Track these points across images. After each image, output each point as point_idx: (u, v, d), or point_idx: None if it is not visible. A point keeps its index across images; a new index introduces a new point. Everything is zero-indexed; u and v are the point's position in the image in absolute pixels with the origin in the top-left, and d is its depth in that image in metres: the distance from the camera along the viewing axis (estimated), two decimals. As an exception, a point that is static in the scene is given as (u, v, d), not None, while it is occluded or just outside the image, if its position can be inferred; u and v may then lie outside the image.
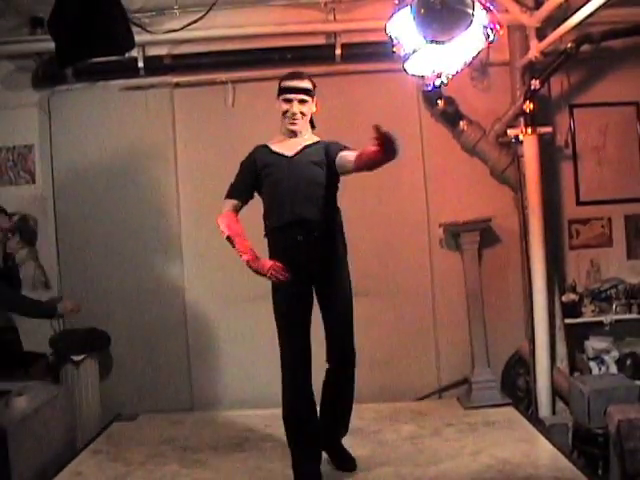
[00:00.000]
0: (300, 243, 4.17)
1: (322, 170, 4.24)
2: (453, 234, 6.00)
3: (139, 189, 6.14)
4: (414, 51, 3.98)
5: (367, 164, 3.92)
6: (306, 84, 4.30)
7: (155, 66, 6.07)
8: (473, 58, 4.03)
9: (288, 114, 4.28)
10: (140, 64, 6.00)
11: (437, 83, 4.26)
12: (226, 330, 6.11)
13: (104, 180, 6.14)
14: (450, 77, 4.17)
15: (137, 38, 4.62)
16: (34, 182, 6.23)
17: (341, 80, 6.07)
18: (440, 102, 5.95)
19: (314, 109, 4.39)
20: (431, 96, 5.94)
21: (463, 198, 6.07)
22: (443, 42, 3.78)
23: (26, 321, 5.38)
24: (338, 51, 5.96)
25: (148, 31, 5.85)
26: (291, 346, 4.17)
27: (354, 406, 4.50)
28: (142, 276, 6.14)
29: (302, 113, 4.29)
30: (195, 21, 5.68)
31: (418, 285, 6.12)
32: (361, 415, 5.38)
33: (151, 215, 6.14)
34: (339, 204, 4.38)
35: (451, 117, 6.03)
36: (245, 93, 6.13)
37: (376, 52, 5.75)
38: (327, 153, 4.25)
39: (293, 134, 4.33)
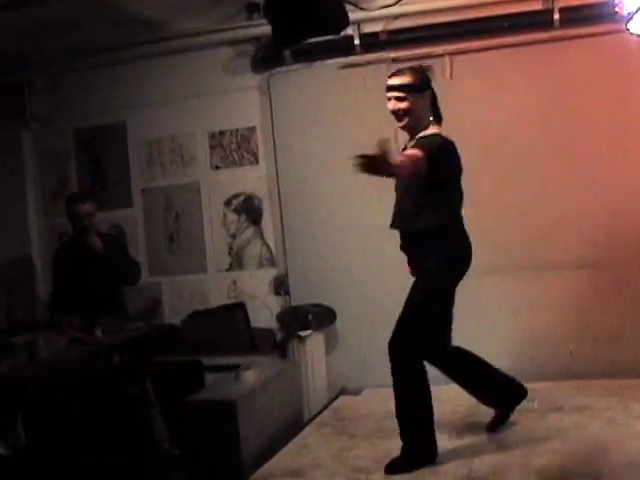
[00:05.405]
0: None
1: None
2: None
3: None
4: (638, 9, 3.76)
5: None
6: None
7: (371, 42, 6.06)
8: None
9: None
10: (356, 41, 6.02)
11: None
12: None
13: (324, 159, 6.19)
14: (680, 35, 3.91)
15: (351, 16, 4.66)
16: (257, 163, 6.47)
17: (560, 46, 5.77)
18: (672, 61, 5.57)
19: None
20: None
21: None
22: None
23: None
24: (556, 15, 5.68)
25: (362, 8, 5.87)
26: None
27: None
28: (365, 251, 6.12)
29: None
30: (407, -5, 5.65)
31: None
32: (588, 392, 5.17)
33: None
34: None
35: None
36: (463, 65, 6.00)
37: (597, 14, 5.44)
38: None
39: None
